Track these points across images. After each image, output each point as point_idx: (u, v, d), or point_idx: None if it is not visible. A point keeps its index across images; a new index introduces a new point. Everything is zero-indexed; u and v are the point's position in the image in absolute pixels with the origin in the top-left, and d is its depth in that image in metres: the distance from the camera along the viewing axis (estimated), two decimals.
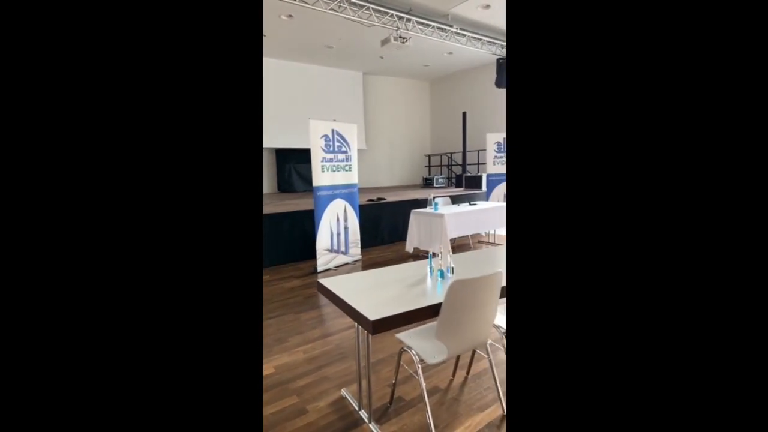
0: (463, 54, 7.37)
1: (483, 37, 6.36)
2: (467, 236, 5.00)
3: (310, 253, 4.17)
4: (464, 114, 7.97)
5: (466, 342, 1.53)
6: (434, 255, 1.90)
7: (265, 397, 1.81)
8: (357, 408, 1.71)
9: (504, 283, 1.59)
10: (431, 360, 1.44)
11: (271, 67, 7.32)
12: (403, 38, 5.35)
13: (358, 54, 7.49)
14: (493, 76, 6.96)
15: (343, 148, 4.16)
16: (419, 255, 4.40)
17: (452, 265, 1.82)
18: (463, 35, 6.12)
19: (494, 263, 2.07)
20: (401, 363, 1.81)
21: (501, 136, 6.95)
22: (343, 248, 4.24)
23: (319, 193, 3.93)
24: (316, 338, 2.45)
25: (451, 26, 5.82)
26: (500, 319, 1.74)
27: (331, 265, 4.09)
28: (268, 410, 1.71)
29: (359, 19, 5.01)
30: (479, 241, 5.30)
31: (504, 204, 5.05)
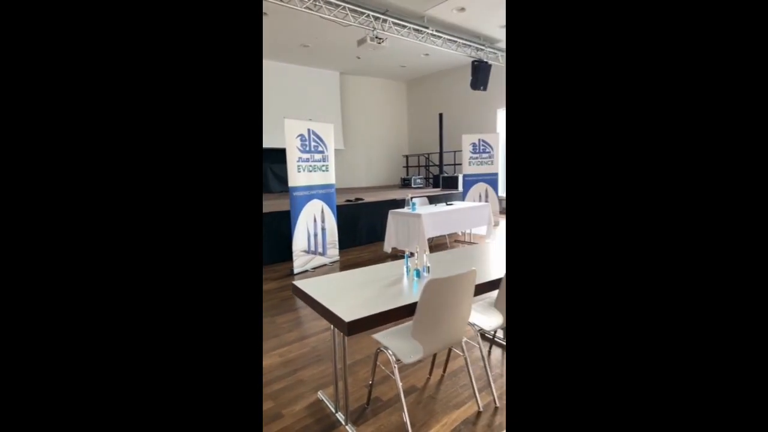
0: (439, 55, 7.46)
1: (458, 40, 6.45)
2: (444, 236, 5.06)
3: (287, 255, 4.10)
4: (441, 115, 8.07)
5: (441, 340, 1.54)
6: (411, 255, 1.91)
7: None
8: (334, 410, 1.70)
9: (477, 282, 1.62)
10: (407, 359, 1.44)
11: None
12: (380, 39, 5.35)
13: (334, 53, 7.44)
14: (469, 78, 7.08)
15: (320, 148, 4.12)
16: (397, 255, 4.42)
17: (428, 265, 1.84)
18: (439, 37, 6.19)
19: (469, 262, 2.10)
20: (378, 363, 1.81)
21: (477, 137, 7.08)
22: (320, 249, 4.20)
23: (295, 194, 3.87)
24: (292, 341, 2.42)
25: (427, 28, 5.88)
26: (474, 317, 1.76)
27: (308, 267, 4.04)
28: None
29: (335, 19, 4.98)
30: (456, 241, 5.37)
31: (479, 204, 5.14)
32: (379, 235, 5.15)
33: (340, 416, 1.65)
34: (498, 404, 1.71)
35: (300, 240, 3.94)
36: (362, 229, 5.30)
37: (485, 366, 1.82)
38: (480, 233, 5.26)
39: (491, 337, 2.32)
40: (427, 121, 9.60)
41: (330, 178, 4.27)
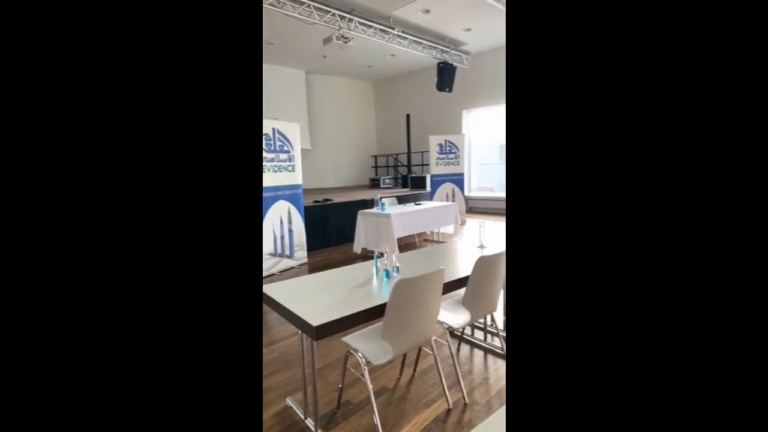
0: (406, 56, 7.52)
1: (424, 41, 6.53)
2: (413, 235, 5.10)
3: None
4: (408, 116, 8.14)
5: (411, 340, 1.55)
6: (380, 255, 1.90)
7: None
8: (303, 417, 1.66)
9: (445, 280, 1.64)
10: (377, 361, 1.43)
11: None
12: (346, 38, 5.31)
13: (299, 52, 7.30)
14: (435, 79, 7.19)
15: (286, 148, 4.02)
16: (367, 255, 4.40)
17: (398, 265, 1.84)
18: (405, 38, 6.24)
19: (438, 261, 2.12)
20: (348, 366, 1.78)
21: (443, 138, 7.20)
22: (287, 252, 4.10)
23: None
24: None
25: (393, 28, 5.91)
26: (443, 315, 1.78)
27: (274, 270, 3.93)
28: None
29: (300, 17, 4.89)
30: (425, 240, 5.44)
31: (447, 203, 5.23)
32: (348, 235, 5.10)
33: (309, 422, 1.62)
34: (467, 401, 1.74)
35: (266, 242, 3.82)
36: (331, 230, 5.24)
37: (454, 363, 1.84)
38: (448, 232, 5.36)
39: (459, 334, 2.37)
40: (395, 121, 9.66)
41: (296, 178, 4.18)
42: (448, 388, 1.76)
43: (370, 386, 1.46)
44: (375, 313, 1.42)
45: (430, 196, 6.93)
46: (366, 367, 1.45)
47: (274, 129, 3.89)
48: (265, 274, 3.81)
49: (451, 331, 1.92)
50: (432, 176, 7.14)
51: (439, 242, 5.18)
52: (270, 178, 3.84)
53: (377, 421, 1.49)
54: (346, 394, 1.80)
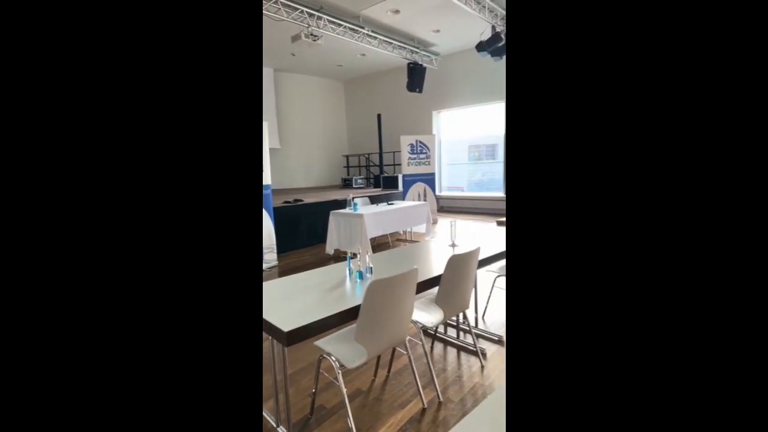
0: (376, 56, 7.52)
1: (394, 41, 6.56)
2: (386, 235, 5.10)
3: None
4: (379, 116, 8.15)
5: (385, 341, 1.53)
6: (353, 256, 1.87)
7: None
8: (275, 425, 1.60)
9: (419, 279, 1.64)
10: (351, 364, 1.40)
11: None
12: (315, 36, 5.23)
13: (267, 49, 7.11)
14: (405, 79, 7.23)
15: None
16: (340, 256, 4.35)
17: (371, 265, 1.82)
18: (375, 37, 6.24)
19: (411, 260, 2.12)
20: (321, 370, 1.75)
21: (414, 138, 7.26)
22: None
23: None
24: None
25: (362, 28, 5.88)
26: (417, 315, 1.78)
27: None
28: None
29: (267, 13, 4.76)
30: (398, 239, 5.45)
31: (419, 203, 5.27)
32: (320, 236, 5.03)
33: (282, 430, 1.57)
34: (441, 399, 1.75)
35: None
36: (303, 232, 5.14)
37: (428, 362, 1.85)
38: (420, 231, 5.40)
39: (433, 332, 2.38)
40: (366, 121, 9.64)
41: (265, 178, 4.06)
42: (422, 387, 1.76)
43: (344, 390, 1.44)
44: (348, 315, 1.39)
45: (403, 196, 6.97)
46: (339, 371, 1.42)
47: None
48: None
49: (425, 330, 1.93)
50: (404, 176, 7.18)
51: (412, 241, 5.21)
52: None
53: (352, 424, 1.47)
54: (320, 398, 1.77)
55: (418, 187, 7.23)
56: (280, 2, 4.77)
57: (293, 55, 7.43)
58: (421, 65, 7.16)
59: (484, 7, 5.22)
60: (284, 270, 4.09)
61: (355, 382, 1.90)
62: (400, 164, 7.59)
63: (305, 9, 5.05)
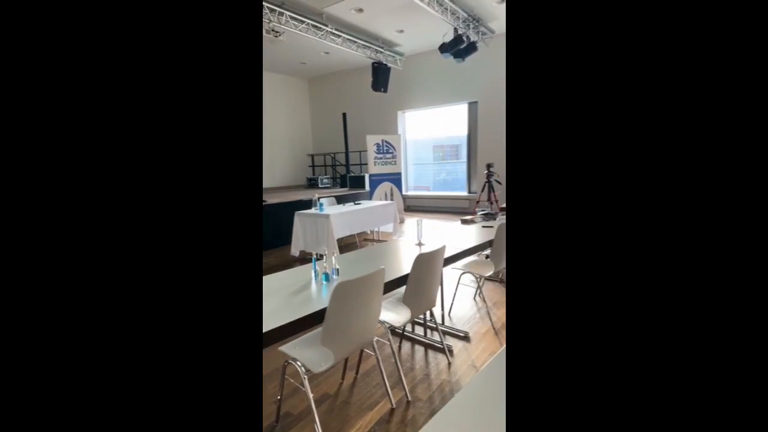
0: (340, 55, 7.45)
1: (358, 40, 6.52)
2: (354, 235, 5.07)
3: None
4: (344, 115, 8.07)
5: (353, 343, 1.51)
6: (318, 258, 1.83)
7: None
8: None
9: (386, 279, 1.63)
10: (317, 368, 1.37)
11: None
12: (277, 32, 5.09)
13: None
14: (370, 79, 7.22)
15: None
16: (306, 258, 4.26)
17: (337, 267, 1.79)
18: (339, 36, 6.17)
19: (378, 260, 2.11)
20: (286, 376, 1.70)
21: (380, 138, 7.27)
22: None
23: None
24: None
25: (326, 25, 5.80)
26: (384, 315, 1.78)
27: None
28: None
29: None
30: (365, 239, 5.43)
31: (386, 202, 5.28)
32: (285, 238, 4.90)
33: None
34: (410, 398, 1.75)
35: None
36: (266, 233, 4.99)
37: (396, 362, 1.85)
38: (387, 231, 5.42)
39: (401, 331, 2.39)
40: (331, 120, 9.52)
41: None
42: (390, 387, 1.76)
43: (311, 395, 1.40)
44: (314, 319, 1.36)
45: (370, 196, 6.95)
46: (306, 376, 1.39)
47: None
48: None
49: (393, 330, 1.92)
50: (370, 176, 7.16)
51: (379, 241, 5.21)
52: None
53: (319, 430, 1.43)
54: (286, 405, 1.71)
55: (385, 186, 7.25)
56: None
57: None
58: (385, 65, 7.17)
59: (447, 9, 5.32)
60: None
61: (323, 386, 1.86)
62: (366, 164, 7.57)
63: (267, 4, 4.90)
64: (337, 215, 4.11)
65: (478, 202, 6.31)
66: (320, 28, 5.77)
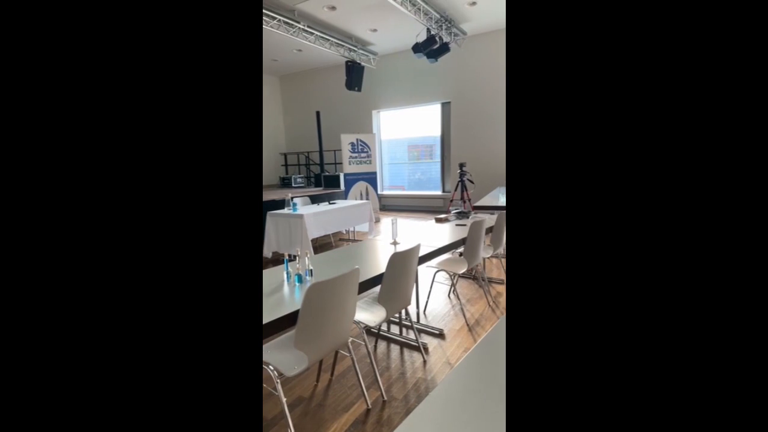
0: (313, 53, 7.35)
1: (331, 38, 6.45)
2: (329, 235, 5.01)
3: None
4: (318, 113, 7.97)
5: (327, 345, 1.49)
6: (291, 259, 1.79)
7: None
8: None
9: (361, 279, 1.61)
10: (291, 372, 1.34)
11: None
12: None
13: None
14: (344, 77, 7.17)
15: None
16: (279, 259, 4.17)
17: (311, 268, 1.76)
18: (311, 33, 6.08)
19: (353, 260, 2.09)
20: None
21: (355, 137, 7.23)
22: None
23: None
24: None
25: (298, 22, 5.70)
26: (359, 315, 1.76)
27: None
28: None
29: None
30: (341, 239, 5.39)
31: (361, 202, 5.26)
32: None
33: None
34: (386, 398, 1.74)
35: None
36: None
37: (372, 362, 1.84)
38: (363, 230, 5.40)
39: (376, 331, 2.38)
40: (305, 118, 9.38)
41: None
42: (366, 387, 1.75)
43: (284, 399, 1.37)
44: (286, 321, 1.32)
45: (345, 195, 6.90)
46: (278, 380, 1.35)
47: None
48: None
49: (368, 330, 1.91)
50: (345, 175, 7.11)
51: (354, 241, 5.18)
52: None
53: None
54: None
55: (360, 186, 7.22)
56: None
57: None
58: (359, 64, 7.14)
59: (419, 9, 5.36)
60: None
61: (297, 390, 1.82)
62: (341, 163, 7.51)
63: None
64: (311, 215, 4.05)
65: (451, 201, 6.41)
66: (292, 24, 5.67)
